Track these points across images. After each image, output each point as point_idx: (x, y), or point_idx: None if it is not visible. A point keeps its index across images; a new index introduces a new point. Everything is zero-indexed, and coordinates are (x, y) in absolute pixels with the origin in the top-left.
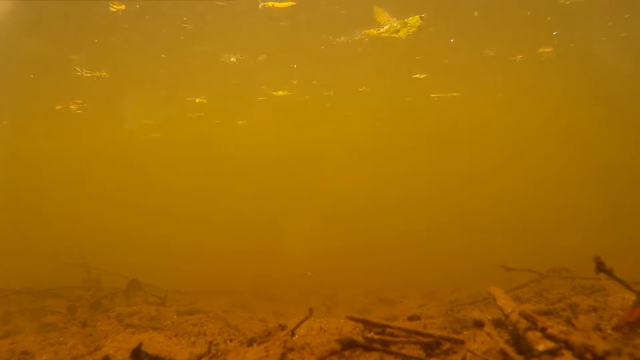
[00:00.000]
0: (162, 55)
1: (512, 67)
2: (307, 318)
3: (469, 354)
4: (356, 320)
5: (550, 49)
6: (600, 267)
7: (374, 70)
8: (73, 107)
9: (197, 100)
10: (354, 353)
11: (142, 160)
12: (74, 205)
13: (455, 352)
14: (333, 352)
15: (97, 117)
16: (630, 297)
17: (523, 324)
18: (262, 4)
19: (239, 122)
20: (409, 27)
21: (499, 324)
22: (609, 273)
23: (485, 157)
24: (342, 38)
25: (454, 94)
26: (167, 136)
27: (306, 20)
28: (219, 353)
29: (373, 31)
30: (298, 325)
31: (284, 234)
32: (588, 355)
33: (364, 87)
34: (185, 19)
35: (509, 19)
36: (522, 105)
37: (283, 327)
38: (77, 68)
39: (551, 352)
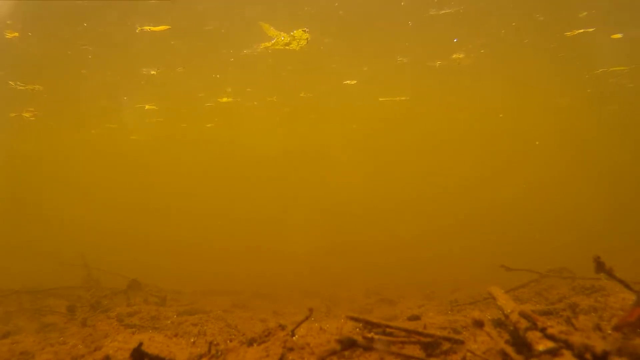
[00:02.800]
0: (82, 71)
1: (435, 72)
2: (307, 318)
3: (469, 354)
4: (356, 320)
5: (462, 55)
6: (600, 267)
7: (297, 78)
8: (26, 114)
9: (147, 107)
10: (354, 353)
11: (141, 161)
12: (73, 205)
13: (455, 352)
14: (333, 352)
15: (93, 116)
16: (630, 297)
17: (523, 324)
18: (139, 28)
19: (208, 125)
20: (298, 40)
21: (499, 324)
22: (609, 273)
23: (485, 158)
24: (245, 51)
25: (402, 98)
26: (144, 139)
27: (197, 39)
28: (219, 353)
29: (267, 44)
30: (298, 325)
31: (284, 234)
32: (588, 355)
33: (303, 93)
34: (83, 43)
35: (397, 28)
36: (518, 106)
37: (283, 327)
38: (10, 82)
39: (551, 352)
